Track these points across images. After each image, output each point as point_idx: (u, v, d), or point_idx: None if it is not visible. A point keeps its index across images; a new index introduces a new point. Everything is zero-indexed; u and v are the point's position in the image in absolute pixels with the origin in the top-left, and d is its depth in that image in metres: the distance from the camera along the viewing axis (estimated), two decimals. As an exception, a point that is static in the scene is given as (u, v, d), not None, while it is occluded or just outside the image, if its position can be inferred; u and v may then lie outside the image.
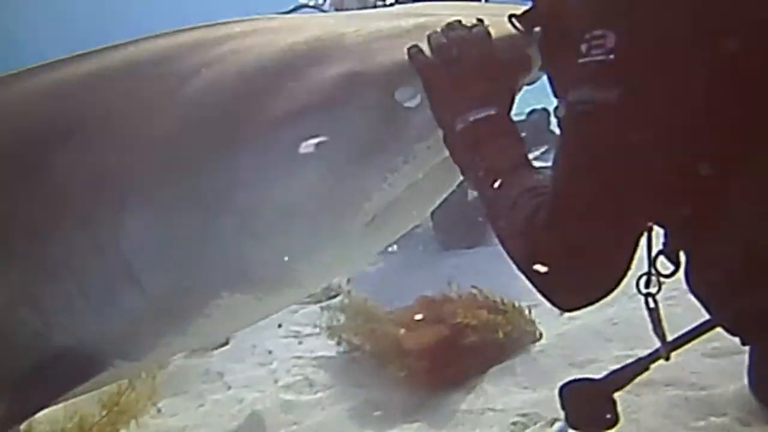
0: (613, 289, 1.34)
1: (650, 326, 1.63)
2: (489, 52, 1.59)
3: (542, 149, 6.13)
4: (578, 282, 1.35)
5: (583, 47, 1.23)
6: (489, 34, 1.61)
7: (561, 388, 1.59)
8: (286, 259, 1.76)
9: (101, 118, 1.80)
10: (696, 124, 1.22)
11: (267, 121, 1.69)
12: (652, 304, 1.62)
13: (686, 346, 1.56)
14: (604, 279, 1.34)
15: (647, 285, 1.62)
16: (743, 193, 1.26)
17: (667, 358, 1.56)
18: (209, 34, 1.90)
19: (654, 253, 1.55)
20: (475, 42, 1.60)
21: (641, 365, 1.57)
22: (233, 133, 1.71)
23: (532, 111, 6.12)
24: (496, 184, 1.46)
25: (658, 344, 1.60)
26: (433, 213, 5.66)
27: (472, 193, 5.68)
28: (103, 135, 1.78)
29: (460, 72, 1.59)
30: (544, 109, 6.21)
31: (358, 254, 1.96)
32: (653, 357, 1.58)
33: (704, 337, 1.49)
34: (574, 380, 1.60)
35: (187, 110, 1.75)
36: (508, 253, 1.42)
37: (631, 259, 1.33)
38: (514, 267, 1.38)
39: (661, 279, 1.59)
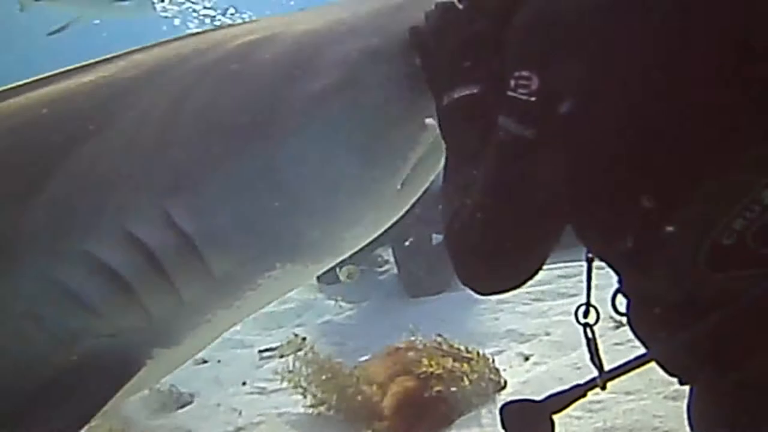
0: (516, 285, 1.50)
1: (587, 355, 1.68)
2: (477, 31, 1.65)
3: None
4: (485, 277, 1.53)
5: (512, 83, 1.32)
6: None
7: (501, 409, 1.64)
8: (334, 227, 1.91)
9: (171, 100, 1.88)
10: (614, 163, 1.31)
11: (309, 101, 1.82)
12: (590, 334, 1.69)
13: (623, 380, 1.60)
14: (507, 278, 1.51)
15: (585, 315, 1.70)
16: (668, 229, 1.30)
17: (603, 387, 1.59)
18: (236, 31, 2.04)
19: (612, 292, 1.59)
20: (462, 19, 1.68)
21: (579, 391, 1.60)
22: (282, 115, 1.83)
23: None
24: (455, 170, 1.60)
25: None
26: (398, 260, 5.67)
27: (437, 238, 5.65)
28: (171, 121, 1.86)
29: (451, 48, 1.66)
30: None
31: (392, 215, 2.08)
32: (591, 385, 1.61)
33: (666, 379, 1.50)
34: (514, 401, 1.65)
35: (240, 95, 1.87)
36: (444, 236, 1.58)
37: (534, 267, 1.48)
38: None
39: (614, 314, 1.64)
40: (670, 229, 1.29)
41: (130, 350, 1.86)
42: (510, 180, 1.38)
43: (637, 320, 1.50)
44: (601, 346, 1.68)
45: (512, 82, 1.32)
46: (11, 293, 1.81)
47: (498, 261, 1.45)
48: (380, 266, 4.76)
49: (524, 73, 1.30)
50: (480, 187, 1.42)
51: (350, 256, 2.15)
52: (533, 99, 1.29)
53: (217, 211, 1.82)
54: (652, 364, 1.46)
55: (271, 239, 1.86)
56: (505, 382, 3.89)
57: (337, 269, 4.47)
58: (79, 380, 1.80)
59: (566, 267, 4.10)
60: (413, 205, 2.09)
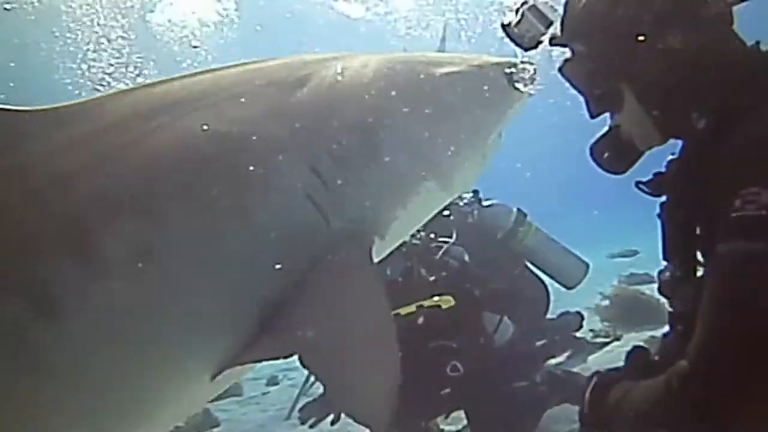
0: None
1: None
2: None
3: (567, 354, 5.98)
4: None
5: (737, 202, 1.29)
6: None
7: None
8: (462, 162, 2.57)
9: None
10: None
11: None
12: None
13: None
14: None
15: None
16: None
17: None
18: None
19: None
20: None
21: None
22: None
23: (565, 313, 5.95)
24: None
25: None
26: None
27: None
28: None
29: None
30: (578, 313, 5.98)
31: (486, 162, 2.75)
32: None
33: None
34: None
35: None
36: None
37: None
38: None
39: None
40: None
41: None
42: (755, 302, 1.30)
43: None
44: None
45: (738, 201, 1.30)
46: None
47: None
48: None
49: (753, 189, 1.28)
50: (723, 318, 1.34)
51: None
52: (765, 212, 1.27)
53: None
54: None
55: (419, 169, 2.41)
56: None
57: None
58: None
59: None
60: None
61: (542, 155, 28.60)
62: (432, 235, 4.61)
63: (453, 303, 4.27)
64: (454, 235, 4.66)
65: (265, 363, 6.42)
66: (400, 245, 4.46)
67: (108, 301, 1.82)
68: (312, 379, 7.00)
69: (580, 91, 1.78)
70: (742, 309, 1.30)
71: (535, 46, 1.84)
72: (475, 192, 5.63)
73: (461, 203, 5.57)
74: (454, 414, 4.60)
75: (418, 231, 4.60)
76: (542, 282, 5.56)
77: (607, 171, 1.80)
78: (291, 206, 2.06)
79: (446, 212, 5.00)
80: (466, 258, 4.49)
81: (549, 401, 4.43)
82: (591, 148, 1.80)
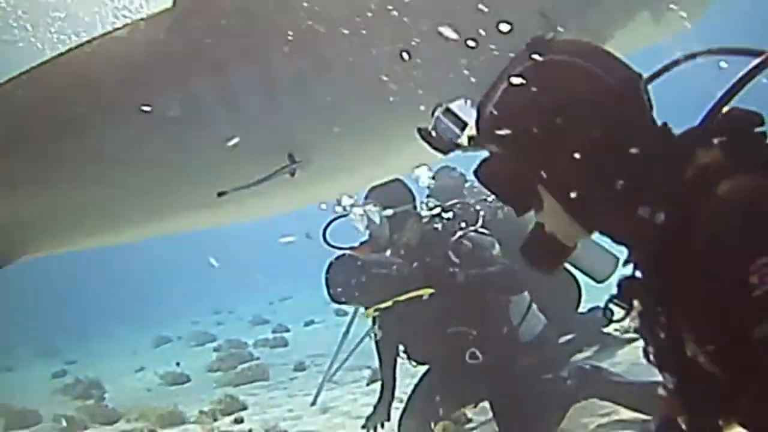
0: None
1: None
2: None
3: (594, 348, 5.96)
4: None
5: (753, 279, 1.23)
6: None
7: None
8: None
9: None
10: None
11: None
12: None
13: None
14: None
15: None
16: None
17: None
18: None
19: None
20: None
21: None
22: None
23: (595, 307, 5.92)
24: None
25: None
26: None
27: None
28: None
29: None
30: (607, 308, 5.90)
31: None
32: None
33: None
34: None
35: None
36: None
37: None
38: None
39: None
40: None
41: None
42: None
43: None
44: None
45: (754, 277, 1.23)
46: None
47: None
48: (465, 423, 4.71)
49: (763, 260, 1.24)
50: None
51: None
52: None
53: None
54: None
55: None
56: None
57: (432, 424, 4.45)
58: None
59: None
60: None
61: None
62: (462, 225, 4.63)
63: (475, 289, 4.28)
64: (480, 224, 4.68)
65: (293, 348, 6.57)
66: (430, 227, 4.53)
67: None
68: (336, 366, 7.10)
69: (495, 193, 1.71)
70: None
71: (453, 149, 1.78)
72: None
73: (491, 198, 5.58)
74: (483, 405, 4.61)
75: (449, 220, 4.63)
76: (573, 276, 5.56)
77: (536, 267, 1.69)
78: None
79: (477, 207, 5.02)
80: (497, 248, 4.50)
81: (576, 395, 4.44)
82: (521, 249, 1.74)
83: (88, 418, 7.52)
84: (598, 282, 5.55)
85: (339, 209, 4.77)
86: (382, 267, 4.37)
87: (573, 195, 1.54)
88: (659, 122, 1.54)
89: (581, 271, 5.63)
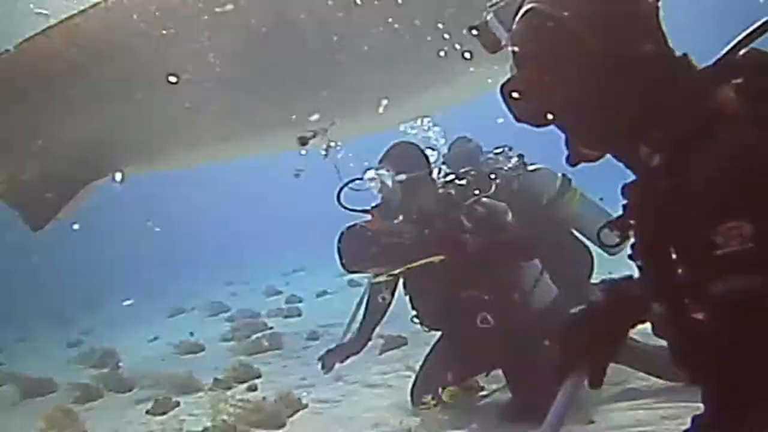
0: None
1: None
2: None
3: None
4: None
5: (719, 239, 1.26)
6: None
7: None
8: None
9: None
10: None
11: None
12: None
13: None
14: None
15: None
16: None
17: None
18: None
19: None
20: None
21: None
22: None
23: (606, 279, 5.88)
24: None
25: None
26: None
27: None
28: None
29: None
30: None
31: None
32: None
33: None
34: None
35: None
36: None
37: None
38: None
39: None
40: None
41: None
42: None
43: None
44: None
45: (719, 237, 1.26)
46: None
47: None
48: (477, 391, 4.70)
49: (733, 223, 1.25)
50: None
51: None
52: (751, 245, 1.24)
53: None
54: None
55: None
56: None
57: (439, 390, 4.48)
58: None
59: (669, 408, 4.00)
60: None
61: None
62: (476, 191, 4.64)
63: (487, 255, 4.30)
64: (495, 191, 4.69)
65: (306, 318, 6.73)
66: (444, 192, 4.55)
67: None
68: (350, 334, 7.14)
69: (515, 111, 1.72)
70: (753, 349, 1.28)
71: (497, 50, 1.80)
72: (521, 156, 5.63)
73: (506, 167, 5.58)
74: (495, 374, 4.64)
75: (462, 186, 4.65)
76: (586, 247, 5.56)
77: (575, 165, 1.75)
78: None
79: (492, 175, 5.02)
80: (509, 216, 4.50)
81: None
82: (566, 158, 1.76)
83: (104, 385, 7.60)
84: (611, 254, 5.54)
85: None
86: (392, 236, 4.39)
87: (585, 114, 1.56)
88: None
89: (594, 243, 5.63)
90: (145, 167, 6.38)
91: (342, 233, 4.45)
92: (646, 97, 1.51)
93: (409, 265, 4.40)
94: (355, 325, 7.18)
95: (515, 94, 1.66)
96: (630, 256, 1.60)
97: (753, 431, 1.28)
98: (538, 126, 1.67)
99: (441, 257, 4.33)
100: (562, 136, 1.69)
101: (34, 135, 5.95)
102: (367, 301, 5.32)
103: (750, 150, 1.30)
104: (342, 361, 5.36)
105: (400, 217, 4.58)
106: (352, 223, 4.48)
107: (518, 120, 1.71)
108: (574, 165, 1.73)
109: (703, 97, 1.44)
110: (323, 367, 5.37)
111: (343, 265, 4.46)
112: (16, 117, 5.88)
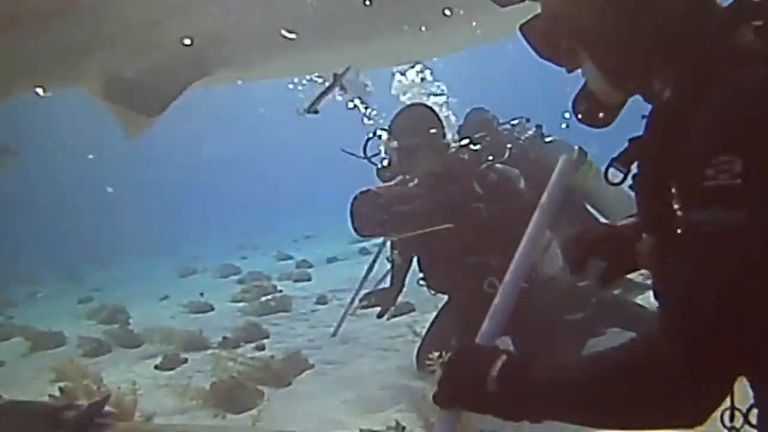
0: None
1: None
2: None
3: (616, 292, 5.94)
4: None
5: (709, 171, 1.27)
6: None
7: None
8: None
9: None
10: None
11: None
12: None
13: None
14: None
15: (731, 419, 1.60)
16: None
17: None
18: None
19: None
20: None
21: None
22: None
23: None
24: None
25: None
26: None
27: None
28: None
29: None
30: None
31: None
32: None
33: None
34: None
35: None
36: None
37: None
38: None
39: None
40: None
41: None
42: (729, 273, 1.28)
43: None
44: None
45: (710, 170, 1.27)
46: None
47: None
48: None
49: (725, 158, 1.26)
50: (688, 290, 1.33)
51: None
52: (738, 181, 1.24)
53: None
54: None
55: None
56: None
57: (443, 353, 4.47)
58: None
59: None
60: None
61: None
62: (489, 158, 4.65)
63: (496, 220, 4.32)
64: (509, 159, 4.71)
65: (315, 283, 6.77)
66: (457, 156, 4.56)
67: None
68: (357, 301, 7.20)
69: (537, 50, 1.73)
70: (715, 280, 1.28)
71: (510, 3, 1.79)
72: (539, 127, 5.62)
73: (524, 137, 5.57)
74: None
75: (476, 152, 4.66)
76: (596, 219, 5.56)
77: (586, 125, 1.76)
78: None
79: (508, 144, 5.02)
80: (522, 183, 4.51)
81: (597, 327, 4.50)
82: (572, 103, 1.78)
83: (113, 341, 7.70)
84: None
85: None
86: (403, 202, 4.41)
87: (606, 51, 1.59)
88: None
89: (607, 218, 5.63)
90: (238, 76, 6.55)
91: (354, 198, 4.47)
92: (668, 30, 1.51)
93: (418, 231, 4.42)
94: (364, 291, 7.28)
95: (534, 35, 1.69)
96: (631, 186, 1.60)
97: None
98: (561, 65, 1.69)
99: (449, 226, 4.34)
100: (581, 83, 1.70)
101: (145, 30, 6.03)
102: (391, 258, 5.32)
103: (758, 89, 1.30)
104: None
105: (416, 181, 4.59)
106: (364, 188, 4.50)
107: (543, 58, 1.72)
108: (587, 123, 1.74)
109: (722, 36, 1.45)
110: (366, 308, 5.41)
111: (355, 229, 4.49)
112: (123, 13, 5.91)
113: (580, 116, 1.74)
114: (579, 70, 1.69)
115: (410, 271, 5.26)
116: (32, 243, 27.23)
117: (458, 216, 4.34)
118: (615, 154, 1.65)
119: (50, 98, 7.34)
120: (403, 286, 5.38)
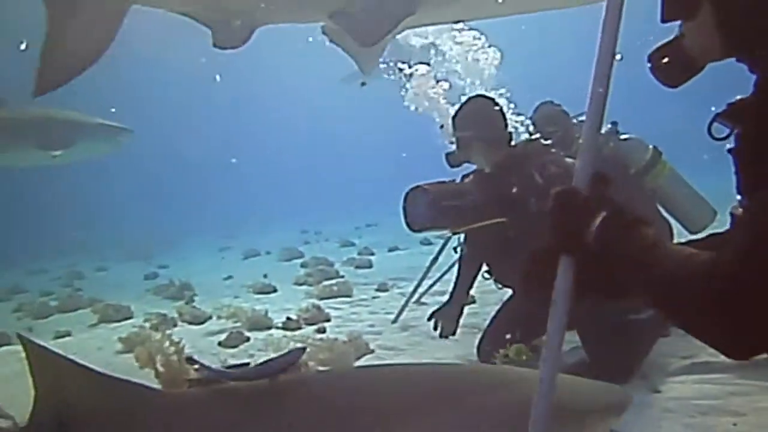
0: None
1: None
2: None
3: None
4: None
5: None
6: None
7: None
8: None
9: None
10: None
11: None
12: None
13: None
14: None
15: None
16: None
17: None
18: None
19: None
20: None
21: None
22: None
23: None
24: None
25: None
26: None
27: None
28: None
29: None
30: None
31: None
32: None
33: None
34: None
35: None
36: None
37: None
38: None
39: None
40: None
41: None
42: None
43: None
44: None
45: None
46: None
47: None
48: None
49: None
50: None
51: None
52: None
53: None
54: None
55: None
56: None
57: (508, 346, 4.44)
58: None
59: (738, 385, 3.95)
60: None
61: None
62: (552, 150, 4.66)
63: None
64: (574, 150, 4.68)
65: (377, 270, 6.73)
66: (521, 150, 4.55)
67: None
68: (420, 290, 7.24)
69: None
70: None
71: None
72: (614, 123, 5.57)
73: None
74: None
75: (544, 146, 4.66)
76: (667, 222, 5.50)
77: (660, 81, 1.75)
78: None
79: (577, 136, 4.98)
80: None
81: (664, 328, 4.47)
82: (650, 56, 1.76)
83: (178, 316, 7.91)
84: (692, 232, 5.46)
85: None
86: (452, 198, 4.44)
87: (737, 7, 1.57)
88: None
89: (677, 218, 5.56)
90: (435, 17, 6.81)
91: (407, 193, 4.53)
92: None
93: (468, 227, 4.45)
94: (428, 282, 7.33)
95: None
96: (729, 150, 1.60)
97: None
98: (669, 11, 1.68)
99: (502, 219, 4.37)
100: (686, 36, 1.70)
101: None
102: (459, 262, 5.35)
103: None
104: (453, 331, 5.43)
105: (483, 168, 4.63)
106: (416, 184, 4.55)
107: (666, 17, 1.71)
108: (661, 76, 1.75)
109: None
110: (440, 331, 5.43)
111: (407, 224, 4.56)
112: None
113: (656, 69, 1.74)
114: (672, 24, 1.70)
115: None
116: (97, 218, 27.96)
117: (512, 210, 4.35)
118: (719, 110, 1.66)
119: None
120: (465, 303, 5.46)
